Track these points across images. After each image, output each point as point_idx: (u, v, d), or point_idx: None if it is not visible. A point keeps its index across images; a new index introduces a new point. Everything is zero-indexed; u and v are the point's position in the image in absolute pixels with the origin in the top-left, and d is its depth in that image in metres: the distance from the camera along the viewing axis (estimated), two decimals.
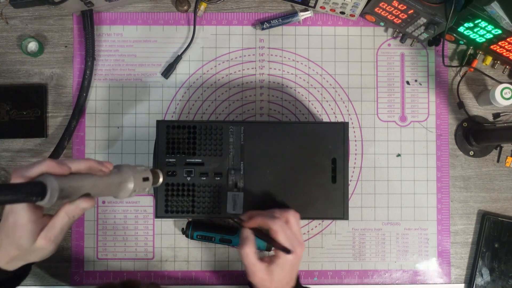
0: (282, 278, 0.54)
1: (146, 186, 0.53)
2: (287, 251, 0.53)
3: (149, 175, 0.53)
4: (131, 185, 0.49)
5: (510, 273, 0.71)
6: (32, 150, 0.71)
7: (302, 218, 0.61)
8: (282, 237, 0.53)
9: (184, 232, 0.68)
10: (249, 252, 0.53)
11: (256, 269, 0.53)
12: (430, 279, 0.72)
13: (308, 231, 0.72)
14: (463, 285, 0.73)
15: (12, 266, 0.49)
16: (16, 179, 0.42)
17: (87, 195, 0.45)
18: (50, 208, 0.49)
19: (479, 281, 0.71)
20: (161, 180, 0.57)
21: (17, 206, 0.44)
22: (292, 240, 0.54)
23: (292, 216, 0.56)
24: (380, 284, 0.72)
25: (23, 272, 0.52)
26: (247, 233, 0.55)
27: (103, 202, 0.71)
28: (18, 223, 0.44)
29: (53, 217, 0.46)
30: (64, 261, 0.71)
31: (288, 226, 0.55)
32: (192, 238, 0.68)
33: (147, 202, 0.72)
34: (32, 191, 0.40)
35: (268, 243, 0.53)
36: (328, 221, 0.72)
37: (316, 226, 0.72)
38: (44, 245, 0.46)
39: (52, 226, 0.46)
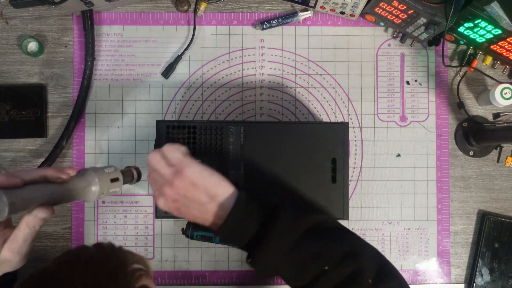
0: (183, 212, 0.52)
1: (117, 186, 0.53)
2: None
3: (119, 175, 0.53)
4: (95, 188, 0.49)
5: (510, 273, 0.71)
6: (33, 150, 0.71)
7: None
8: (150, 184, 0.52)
9: (184, 232, 0.68)
10: None
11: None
12: (430, 279, 0.72)
13: None
14: (463, 285, 0.72)
15: None
16: None
17: (45, 204, 0.45)
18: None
19: (479, 281, 0.71)
20: (135, 178, 0.57)
21: None
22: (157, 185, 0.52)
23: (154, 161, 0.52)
24: None
25: (8, 281, 0.51)
26: None
27: (103, 202, 0.71)
28: None
29: (15, 229, 0.46)
30: None
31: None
32: (192, 238, 0.68)
33: (147, 202, 0.72)
34: None
35: None
36: None
37: None
38: (8, 257, 0.46)
39: (14, 238, 0.46)
